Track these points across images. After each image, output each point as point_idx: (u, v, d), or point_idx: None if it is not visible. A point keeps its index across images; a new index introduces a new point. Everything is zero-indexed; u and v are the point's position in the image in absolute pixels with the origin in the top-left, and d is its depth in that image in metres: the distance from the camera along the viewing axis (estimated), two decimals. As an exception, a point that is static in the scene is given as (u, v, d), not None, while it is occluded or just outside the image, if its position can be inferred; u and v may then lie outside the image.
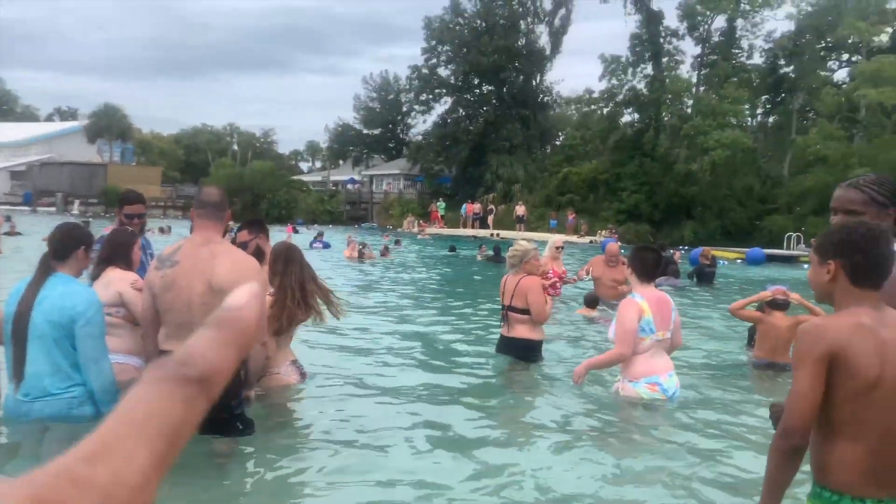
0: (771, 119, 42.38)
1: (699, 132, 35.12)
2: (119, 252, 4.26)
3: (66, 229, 3.96)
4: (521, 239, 6.83)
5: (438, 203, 44.17)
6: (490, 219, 40.14)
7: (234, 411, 3.62)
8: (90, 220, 23.90)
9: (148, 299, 3.61)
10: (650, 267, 4.97)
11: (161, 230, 22.69)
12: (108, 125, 54.93)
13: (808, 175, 34.67)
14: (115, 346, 4.00)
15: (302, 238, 25.76)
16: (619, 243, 32.67)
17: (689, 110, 38.44)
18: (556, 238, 10.48)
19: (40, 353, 3.60)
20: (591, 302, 9.09)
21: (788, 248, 29.99)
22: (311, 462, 3.77)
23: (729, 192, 36.66)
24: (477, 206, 41.34)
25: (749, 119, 41.49)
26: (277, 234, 6.14)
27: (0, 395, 3.97)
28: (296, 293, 4.56)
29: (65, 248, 3.76)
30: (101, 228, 5.22)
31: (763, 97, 40.97)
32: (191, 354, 0.35)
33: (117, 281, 4.14)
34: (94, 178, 49.75)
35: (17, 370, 3.63)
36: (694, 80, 40.34)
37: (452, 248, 24.30)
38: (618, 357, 4.94)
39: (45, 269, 3.71)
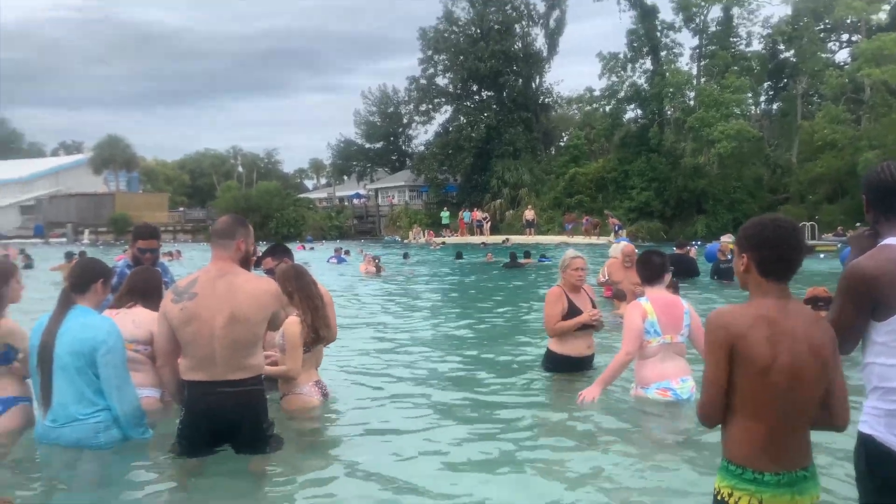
0: (775, 106, 42.12)
1: (703, 124, 34.85)
2: (149, 291, 4.47)
3: (85, 263, 4.13)
4: (571, 248, 6.63)
5: (443, 212, 44.06)
6: (487, 226, 39.94)
7: (267, 433, 3.75)
8: (86, 249, 23.95)
9: (165, 330, 3.62)
10: (654, 270, 5.00)
11: (170, 255, 22.61)
12: (112, 156, 55.23)
13: (817, 161, 34.36)
14: (142, 381, 4.17)
15: (318, 255, 25.76)
16: (623, 230, 32.34)
17: (691, 103, 38.16)
18: (626, 246, 10.01)
19: (65, 382, 3.74)
20: (620, 295, 8.92)
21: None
22: (333, 483, 3.76)
23: (738, 183, 36.37)
24: (479, 214, 41.24)
25: (753, 107, 41.26)
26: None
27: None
28: (312, 306, 4.66)
29: (84, 281, 3.94)
30: (114, 258, 5.21)
31: (765, 84, 40.70)
32: None
33: (150, 321, 4.20)
34: (101, 208, 50.05)
35: (45, 398, 3.79)
36: (694, 71, 40.11)
37: (459, 255, 24.47)
38: (624, 357, 4.87)
39: (66, 302, 3.86)
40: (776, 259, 2.24)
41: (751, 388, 2.20)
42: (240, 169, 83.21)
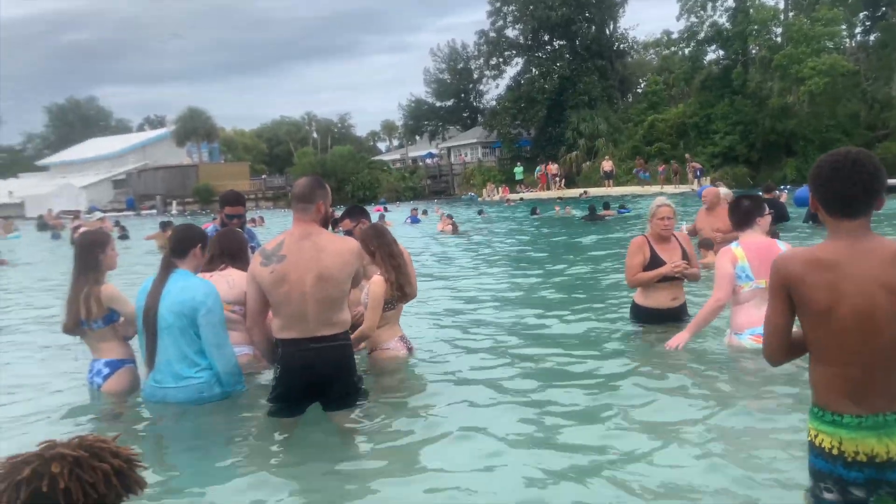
0: (872, 37, 39.11)
1: (792, 61, 32.88)
2: (238, 253, 4.62)
3: (184, 230, 4.30)
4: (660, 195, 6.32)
5: (516, 168, 43.42)
6: (561, 182, 39.10)
7: (358, 384, 3.86)
8: (174, 219, 25.00)
9: (255, 292, 3.73)
10: (743, 214, 4.82)
11: (253, 221, 23.26)
12: (193, 128, 57.03)
13: (921, 92, 31.88)
14: (238, 339, 4.32)
15: (393, 216, 26.04)
16: (706, 177, 30.92)
17: (778, 39, 36.01)
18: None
19: (169, 342, 3.94)
20: (706, 244, 8.57)
21: (905, 175, 27.53)
22: (421, 434, 3.84)
23: (832, 122, 34.26)
24: (555, 167, 40.39)
25: (847, 40, 38.49)
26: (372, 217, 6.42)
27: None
28: (395, 264, 4.72)
29: (183, 247, 4.12)
30: (202, 225, 5.40)
31: (861, 14, 37.84)
32: None
33: (242, 282, 4.30)
34: (186, 179, 51.98)
35: (150, 359, 4.00)
36: (781, 5, 37.67)
37: (534, 211, 24.22)
38: (714, 304, 4.76)
39: (168, 267, 4.06)
40: (833, 195, 2.19)
41: (815, 333, 2.21)
42: (314, 135, 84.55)
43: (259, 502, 3.12)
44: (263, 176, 60.85)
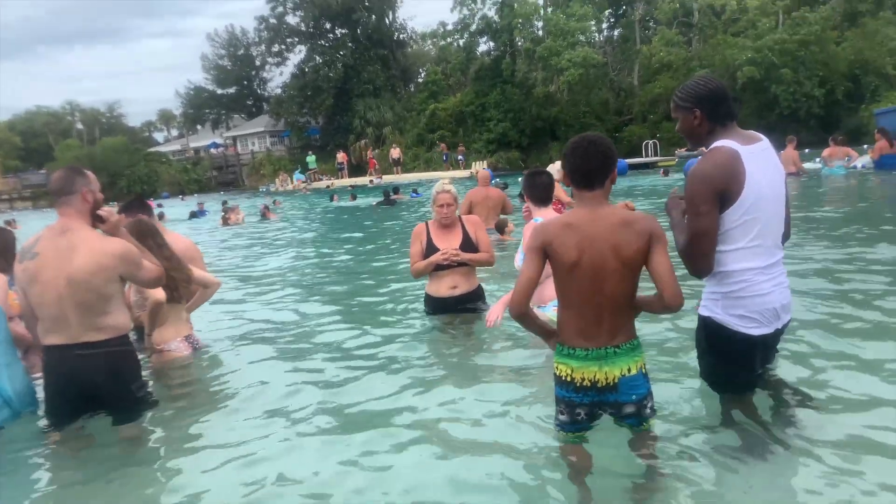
0: (616, 32, 44.11)
1: (552, 53, 36.06)
2: (5, 254, 4.19)
3: None
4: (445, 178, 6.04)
5: (308, 157, 43.22)
6: (343, 174, 40.04)
7: (137, 394, 3.55)
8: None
9: (21, 293, 3.47)
10: (544, 190, 4.72)
11: (7, 224, 20.84)
12: (-77, 119, 49.08)
13: (655, 83, 36.78)
14: None
15: (180, 211, 24.69)
16: (484, 163, 33.58)
17: (540, 33, 39.27)
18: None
19: None
20: (501, 226, 9.20)
21: (646, 155, 32.06)
22: (207, 438, 3.60)
23: (587, 108, 38.25)
24: (340, 156, 41.05)
25: (596, 34, 43.04)
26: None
27: None
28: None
29: None
30: None
31: (606, 11, 42.46)
32: None
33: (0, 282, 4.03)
34: (-81, 180, 44.75)
35: None
36: (541, 1, 41.10)
37: (332, 198, 24.71)
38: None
39: None
40: (573, 170, 2.65)
41: (562, 283, 2.68)
42: (79, 126, 76.68)
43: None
44: (13, 176, 54.09)
